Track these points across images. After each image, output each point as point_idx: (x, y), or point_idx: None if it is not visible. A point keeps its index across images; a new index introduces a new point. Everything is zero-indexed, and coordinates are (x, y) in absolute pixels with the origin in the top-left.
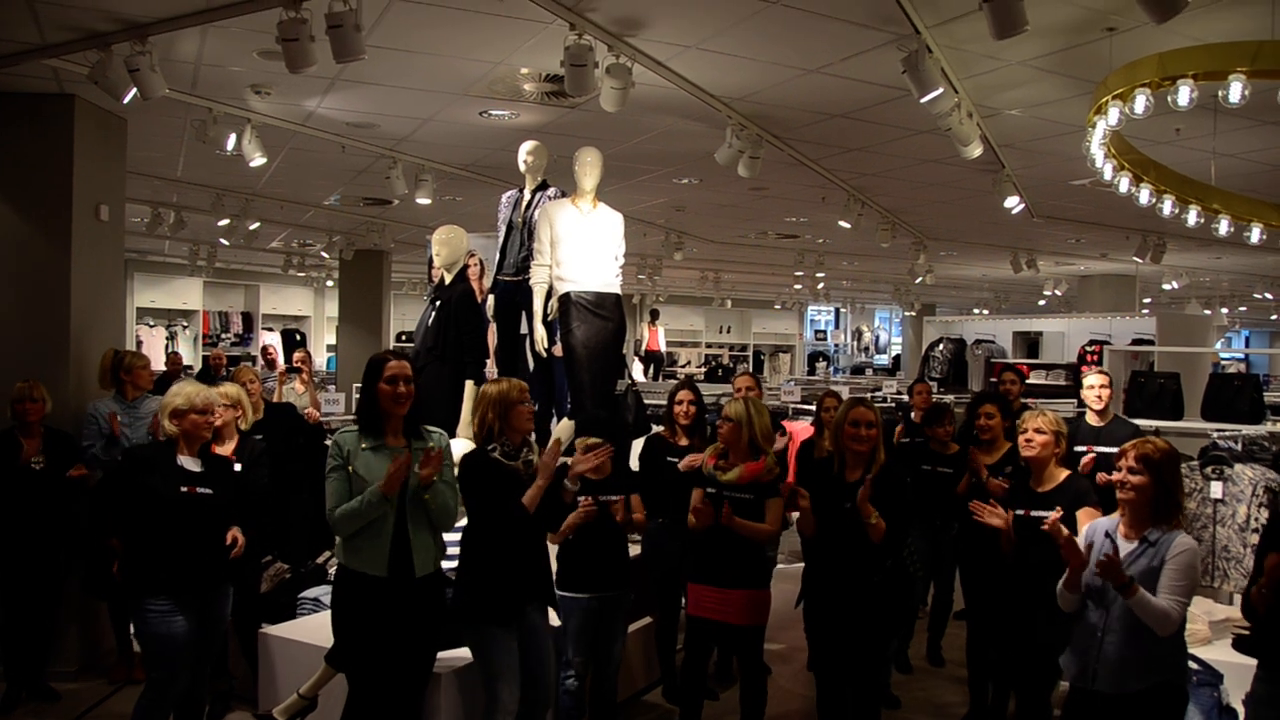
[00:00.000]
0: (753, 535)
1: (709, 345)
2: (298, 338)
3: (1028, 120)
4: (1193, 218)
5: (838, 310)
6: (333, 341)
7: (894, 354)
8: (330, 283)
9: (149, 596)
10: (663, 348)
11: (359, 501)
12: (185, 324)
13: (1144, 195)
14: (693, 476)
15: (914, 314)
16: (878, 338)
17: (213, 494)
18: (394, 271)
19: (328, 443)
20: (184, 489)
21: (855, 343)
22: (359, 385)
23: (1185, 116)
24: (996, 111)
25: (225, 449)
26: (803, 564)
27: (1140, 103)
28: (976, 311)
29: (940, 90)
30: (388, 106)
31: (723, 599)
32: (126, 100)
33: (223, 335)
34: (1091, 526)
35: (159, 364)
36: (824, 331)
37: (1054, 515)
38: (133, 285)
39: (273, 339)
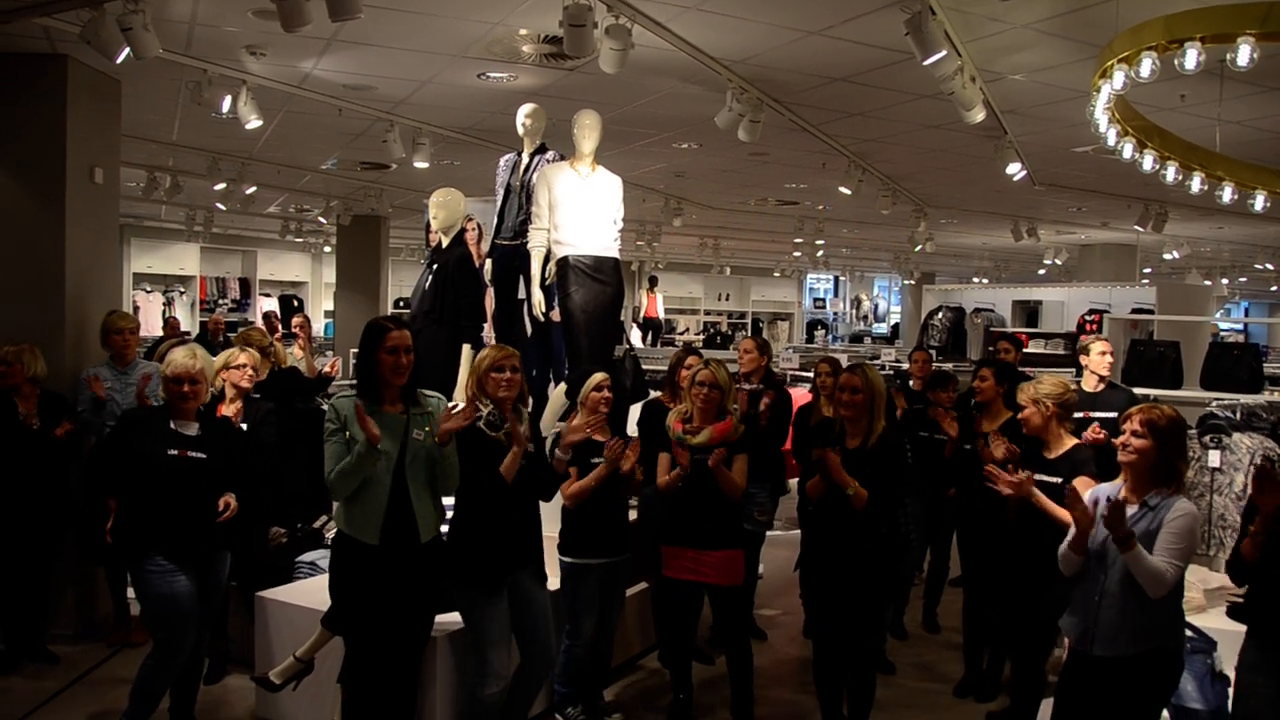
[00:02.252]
0: (728, 486)
1: (708, 312)
2: (295, 304)
3: (1031, 85)
4: (1196, 184)
5: (837, 278)
6: (330, 307)
7: (893, 322)
8: (328, 248)
9: (146, 556)
10: (661, 314)
11: (351, 458)
12: (182, 289)
13: (1147, 162)
14: (658, 441)
15: (913, 283)
16: (876, 306)
17: (206, 458)
18: (392, 238)
19: (325, 406)
20: (173, 452)
21: (854, 311)
22: (356, 350)
23: (1190, 83)
24: (1000, 76)
25: (231, 410)
26: (798, 530)
27: (1146, 66)
28: (976, 281)
29: (944, 53)
30: (385, 68)
31: (698, 559)
32: (120, 60)
33: (220, 301)
34: (1095, 490)
35: (156, 329)
36: (823, 299)
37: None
38: (129, 251)
39: (270, 305)
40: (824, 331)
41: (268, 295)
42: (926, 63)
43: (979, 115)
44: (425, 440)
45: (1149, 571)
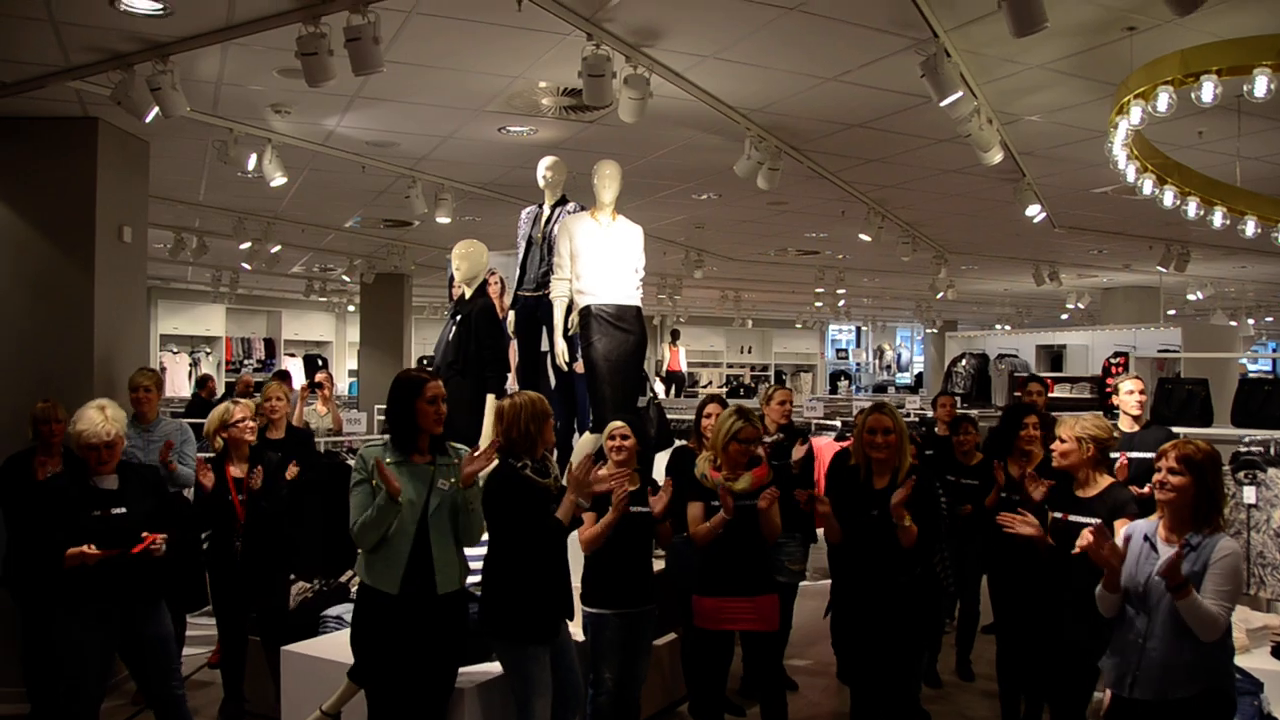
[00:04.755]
0: (771, 529)
1: (730, 365)
2: (320, 362)
3: (1048, 126)
4: (1218, 219)
5: (859, 329)
6: (354, 366)
7: (916, 372)
8: (351, 308)
9: (65, 610)
10: (684, 368)
11: (372, 510)
12: (208, 350)
13: (1168, 198)
14: (690, 491)
15: (935, 331)
16: (899, 356)
17: (127, 512)
18: (415, 295)
19: (350, 461)
20: (96, 513)
21: (877, 361)
22: (381, 406)
23: (1208, 119)
24: (1016, 118)
25: (239, 470)
26: (828, 580)
27: (1163, 100)
28: (998, 327)
29: (960, 94)
30: (407, 124)
31: (740, 608)
32: (149, 119)
33: (245, 361)
34: (1130, 528)
35: (183, 390)
36: (845, 350)
37: (1089, 529)
38: (156, 312)
39: (295, 364)
40: (847, 382)
41: (292, 355)
42: (943, 104)
43: (997, 157)
44: (451, 490)
45: (1203, 617)
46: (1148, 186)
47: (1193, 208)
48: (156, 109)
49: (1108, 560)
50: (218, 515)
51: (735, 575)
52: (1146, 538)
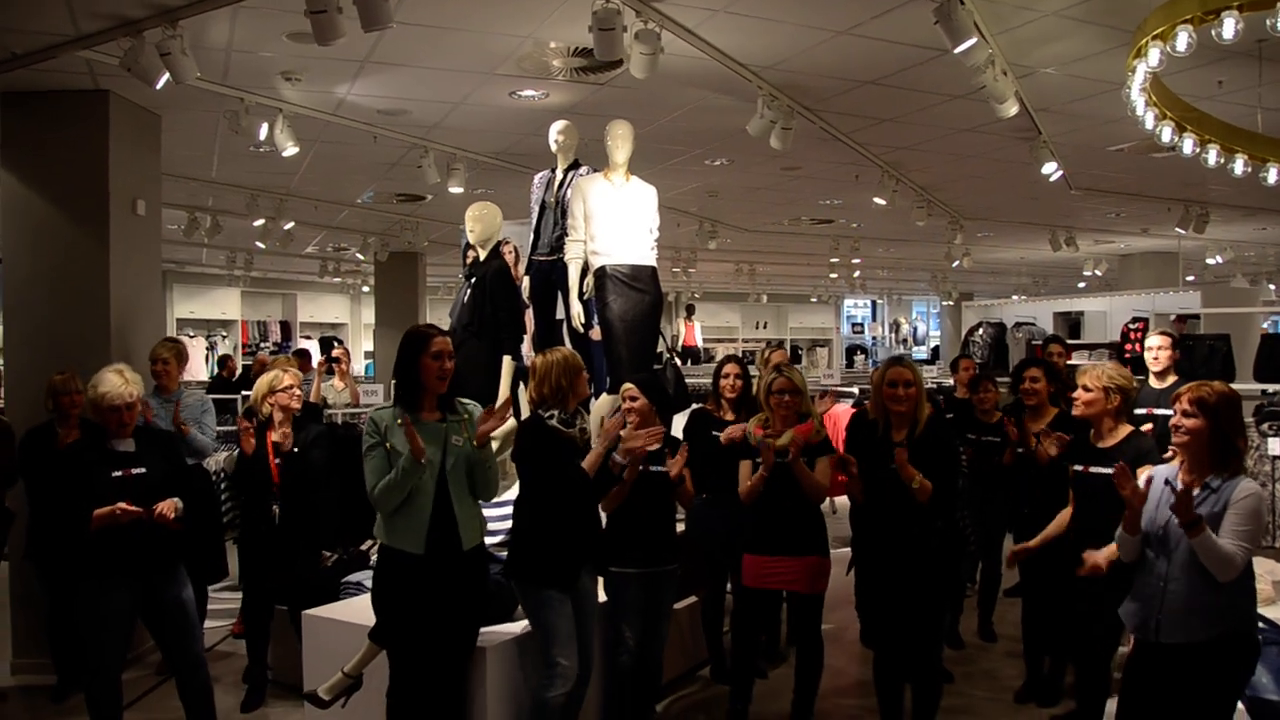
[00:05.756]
0: (811, 485)
1: (745, 340)
2: (336, 343)
3: (1064, 79)
4: (1239, 167)
5: (874, 302)
6: (369, 348)
7: (932, 345)
8: (366, 289)
9: (87, 576)
10: (699, 343)
11: (395, 473)
12: (224, 334)
13: (1187, 145)
14: (739, 450)
15: (951, 303)
16: (915, 329)
17: (146, 473)
18: (429, 275)
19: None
20: (117, 474)
21: (893, 335)
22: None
23: (1228, 68)
24: (1031, 70)
25: (279, 434)
26: (848, 548)
27: (1182, 40)
28: (1015, 298)
29: (974, 40)
30: (417, 90)
31: (786, 568)
32: (160, 85)
33: (261, 344)
34: (1153, 471)
35: (200, 373)
36: (861, 324)
37: (1116, 466)
38: (172, 296)
39: (311, 347)
40: (864, 356)
41: (308, 337)
42: (957, 50)
43: (1012, 109)
44: (464, 446)
45: (1218, 556)
46: (1166, 134)
47: (1213, 155)
48: (167, 75)
49: (1129, 500)
50: (255, 480)
51: (782, 534)
52: (1168, 481)
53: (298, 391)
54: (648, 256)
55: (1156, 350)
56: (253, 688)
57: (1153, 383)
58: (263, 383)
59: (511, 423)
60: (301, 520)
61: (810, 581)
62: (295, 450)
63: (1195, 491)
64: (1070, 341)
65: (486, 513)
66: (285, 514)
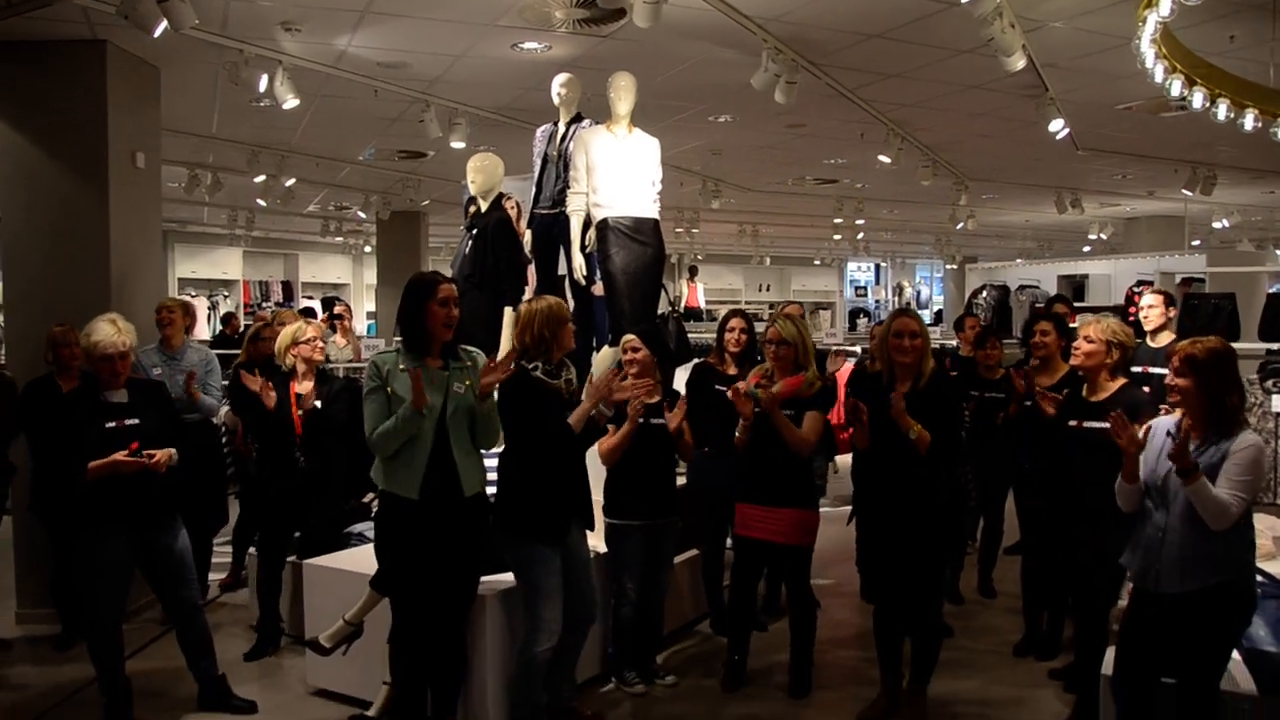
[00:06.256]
0: (792, 437)
1: (748, 303)
2: (337, 301)
3: (1072, 33)
4: (1249, 122)
5: (878, 266)
6: (372, 308)
7: (936, 309)
8: (368, 248)
9: (85, 525)
10: (702, 304)
11: (394, 420)
12: (226, 294)
13: (1197, 99)
14: (709, 403)
15: (955, 267)
16: (919, 293)
17: (140, 423)
18: (431, 235)
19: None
20: (110, 424)
21: (896, 298)
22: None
23: (1240, 22)
24: (1040, 24)
25: (304, 387)
26: (849, 506)
27: None
28: (1019, 261)
29: None
30: (418, 42)
31: (770, 518)
32: (158, 33)
33: (263, 304)
34: (1154, 422)
35: (203, 333)
36: (864, 288)
37: (1113, 414)
38: (173, 256)
39: (314, 306)
40: (866, 319)
41: (310, 298)
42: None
43: (1019, 63)
44: (466, 394)
45: (1212, 504)
46: (1176, 87)
47: (1223, 110)
48: (165, 23)
49: (1125, 448)
50: (277, 432)
51: (771, 485)
52: (1169, 433)
53: (320, 344)
54: (650, 209)
55: (1148, 309)
56: (262, 638)
57: (1149, 341)
58: (285, 335)
59: None
60: (322, 472)
61: (795, 534)
62: (319, 404)
63: (1194, 445)
64: (1075, 304)
65: (487, 462)
66: (309, 466)
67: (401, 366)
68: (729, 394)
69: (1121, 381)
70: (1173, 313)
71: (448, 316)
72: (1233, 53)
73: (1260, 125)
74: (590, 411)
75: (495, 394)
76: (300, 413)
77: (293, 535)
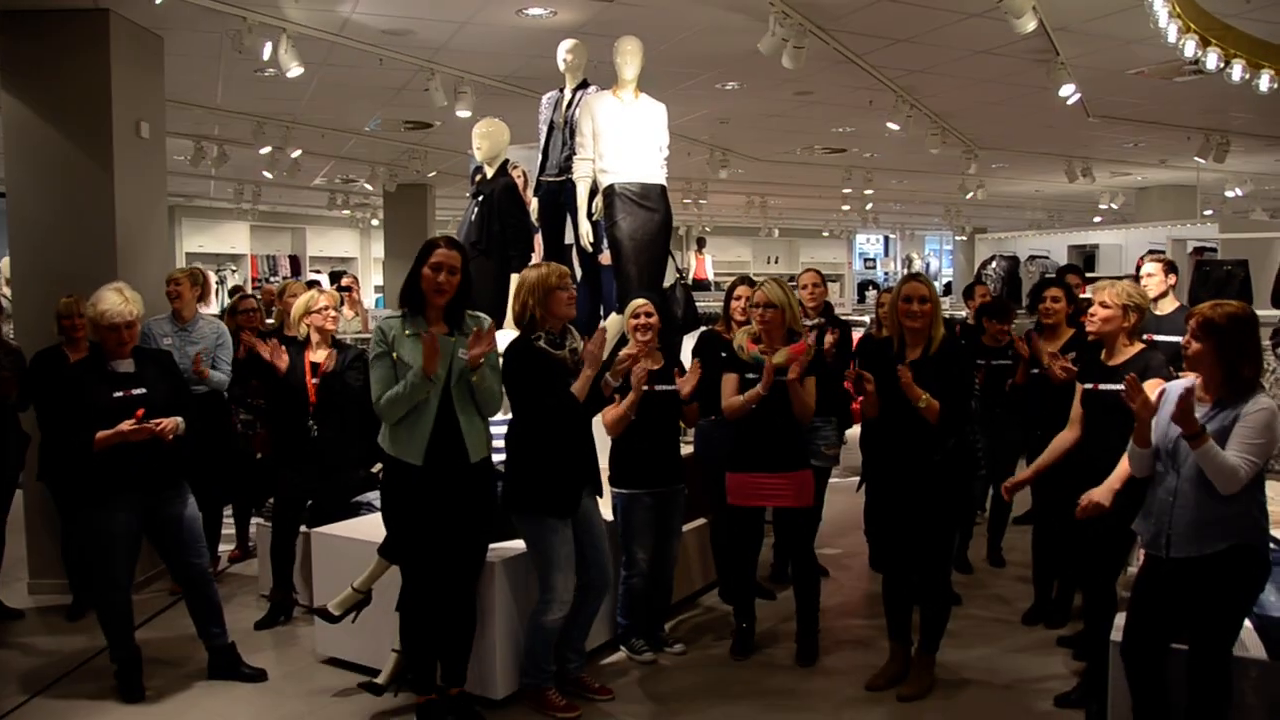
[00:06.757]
0: (802, 405)
1: (757, 275)
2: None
3: None
4: (1265, 83)
5: (886, 238)
6: (380, 282)
7: (945, 281)
8: (375, 222)
9: (92, 497)
10: (710, 276)
11: (402, 385)
12: (234, 268)
13: (1211, 60)
14: (726, 363)
15: (964, 238)
16: (928, 265)
17: (147, 393)
18: (438, 209)
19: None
20: (118, 394)
21: (905, 270)
22: None
23: None
24: None
25: (320, 355)
26: (857, 476)
27: None
28: (1029, 231)
29: None
30: (422, 9)
31: (773, 483)
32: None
33: (271, 278)
34: (1167, 385)
35: (212, 308)
36: (873, 260)
37: (1127, 377)
38: (180, 230)
39: (322, 279)
40: (875, 292)
41: (318, 271)
42: None
43: (1030, 24)
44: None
45: (1220, 467)
46: (1190, 48)
47: (1238, 71)
48: None
49: (1138, 412)
50: (291, 400)
51: (769, 451)
52: (1180, 397)
53: (333, 313)
54: (657, 174)
55: (1146, 278)
56: (274, 607)
57: (1153, 308)
58: (300, 304)
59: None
60: (336, 441)
61: (798, 495)
62: (334, 372)
63: (1207, 408)
64: (1086, 275)
65: (497, 430)
66: (322, 435)
67: (408, 331)
68: (749, 359)
69: (1140, 346)
70: (1173, 280)
71: (435, 282)
72: (1249, 15)
73: (1276, 86)
74: (592, 378)
75: (486, 363)
76: (314, 381)
77: (305, 504)
